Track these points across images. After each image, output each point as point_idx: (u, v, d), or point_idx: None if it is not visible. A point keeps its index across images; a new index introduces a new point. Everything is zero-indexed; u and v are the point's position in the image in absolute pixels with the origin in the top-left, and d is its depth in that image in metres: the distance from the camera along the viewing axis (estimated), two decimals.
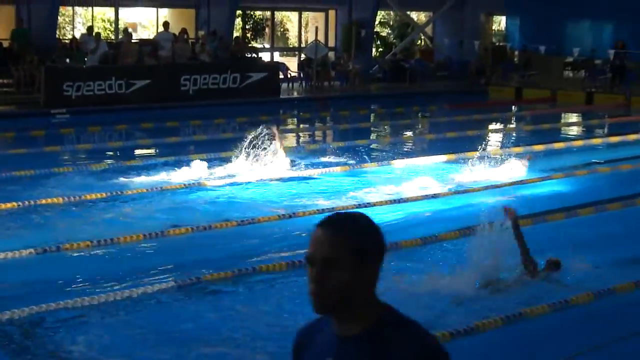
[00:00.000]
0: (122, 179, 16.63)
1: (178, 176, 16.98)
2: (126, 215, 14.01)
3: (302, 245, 12.22)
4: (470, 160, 18.87)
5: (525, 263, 10.82)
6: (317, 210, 14.34)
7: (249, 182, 16.60)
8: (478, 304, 10.00)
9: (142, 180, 16.60)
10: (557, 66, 42.34)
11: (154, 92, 28.07)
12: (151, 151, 21.21)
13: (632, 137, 24.32)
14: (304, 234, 13.03)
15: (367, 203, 15.00)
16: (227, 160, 18.51)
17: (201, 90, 29.42)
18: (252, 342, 8.92)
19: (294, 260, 11.28)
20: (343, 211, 3.58)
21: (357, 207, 14.65)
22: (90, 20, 35.99)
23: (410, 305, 9.86)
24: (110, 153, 20.65)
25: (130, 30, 32.79)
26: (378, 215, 14.34)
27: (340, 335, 3.45)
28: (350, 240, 3.39)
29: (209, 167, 17.66)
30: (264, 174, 17.23)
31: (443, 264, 11.66)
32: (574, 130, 27.79)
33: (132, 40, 31.58)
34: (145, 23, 39.19)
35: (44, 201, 14.40)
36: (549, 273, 10.94)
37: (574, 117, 31.20)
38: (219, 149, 19.83)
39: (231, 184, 16.41)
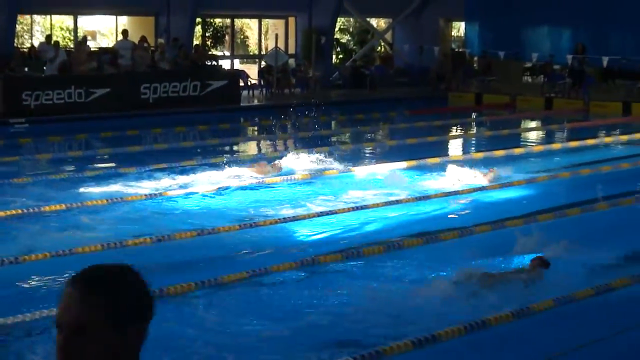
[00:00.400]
0: (82, 189, 16.51)
1: (139, 185, 16.89)
2: (86, 225, 13.88)
3: (265, 256, 12.25)
4: (432, 166, 18.98)
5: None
6: (279, 219, 14.32)
7: (210, 191, 16.52)
8: (444, 309, 10.00)
9: (102, 190, 16.45)
10: (516, 71, 42.64)
11: (114, 101, 27.96)
12: (112, 160, 21.07)
13: (590, 141, 24.50)
14: (265, 244, 13.04)
15: (329, 210, 14.99)
16: (189, 168, 18.49)
17: (161, 99, 29.33)
18: (216, 356, 8.87)
19: (257, 270, 11.25)
20: (100, 265, 2.91)
21: (318, 215, 14.65)
22: (49, 29, 35.76)
23: (378, 311, 9.87)
24: (70, 163, 20.49)
25: (89, 37, 32.62)
26: (340, 222, 14.37)
27: None
28: (104, 301, 2.79)
29: (170, 176, 17.61)
30: (225, 182, 17.18)
31: (407, 271, 11.67)
32: (534, 136, 27.93)
33: (92, 49, 31.44)
34: (104, 31, 38.99)
35: (2, 213, 14.26)
36: (539, 272, 11.12)
37: (533, 123, 31.36)
38: (180, 158, 19.79)
39: (192, 193, 16.32)
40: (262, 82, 35.76)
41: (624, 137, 25.79)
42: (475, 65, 43.08)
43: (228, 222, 14.08)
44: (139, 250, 12.47)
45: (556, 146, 23.69)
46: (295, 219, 14.42)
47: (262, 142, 25.84)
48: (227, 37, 40.09)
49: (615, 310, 10.40)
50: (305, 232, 13.91)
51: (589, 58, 34.82)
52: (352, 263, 11.97)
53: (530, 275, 11.03)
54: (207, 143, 23.38)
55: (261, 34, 41.35)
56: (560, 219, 14.86)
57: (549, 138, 26.83)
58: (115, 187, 16.66)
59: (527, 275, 11.03)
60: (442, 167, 19.38)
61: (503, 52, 37.40)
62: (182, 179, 17.51)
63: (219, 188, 16.77)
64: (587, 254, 12.41)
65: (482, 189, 17.18)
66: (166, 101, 29.35)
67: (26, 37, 36.19)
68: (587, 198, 16.67)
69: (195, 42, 36.20)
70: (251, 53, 42.82)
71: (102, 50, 32.39)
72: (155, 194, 16.11)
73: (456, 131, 28.33)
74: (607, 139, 25.71)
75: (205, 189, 16.67)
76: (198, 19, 36.54)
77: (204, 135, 25.17)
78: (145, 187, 16.76)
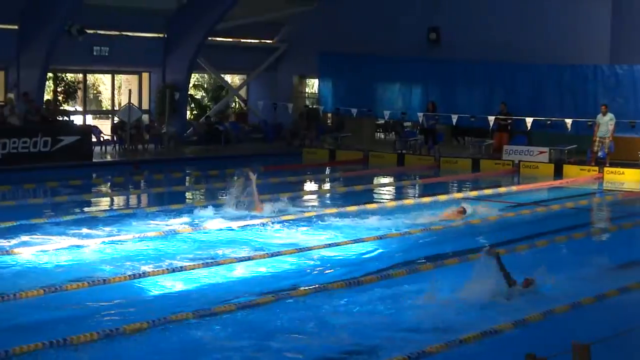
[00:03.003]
0: None
1: None
2: None
3: (116, 314, 12.02)
4: (284, 222, 19.05)
5: (509, 282, 13.52)
6: (130, 276, 14.12)
7: (60, 249, 16.19)
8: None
9: None
10: (369, 128, 43.25)
11: None
12: None
13: (442, 197, 24.88)
14: (117, 302, 12.82)
15: (180, 267, 14.84)
16: (38, 226, 18.12)
17: (11, 155, 28.70)
18: None
19: (108, 330, 11.04)
20: None
21: (169, 272, 14.49)
22: None
23: None
24: None
25: None
26: (191, 280, 14.25)
27: None
28: None
29: (18, 234, 17.21)
30: (76, 240, 16.88)
31: (260, 329, 11.62)
32: (386, 192, 28.27)
33: None
34: None
35: None
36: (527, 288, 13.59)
37: (386, 179, 31.75)
38: (29, 215, 19.35)
39: (41, 251, 15.96)
40: (115, 138, 35.40)
41: (474, 193, 26.31)
42: (329, 121, 43.55)
43: (78, 279, 13.79)
44: None
45: (408, 202, 23.98)
46: (145, 276, 14.25)
47: (114, 198, 25.43)
48: (79, 92, 39.53)
49: None
50: (156, 289, 13.74)
51: (439, 116, 35.58)
52: (204, 321, 11.84)
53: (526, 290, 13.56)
54: (58, 200, 22.92)
55: (114, 89, 40.99)
56: (414, 274, 15.02)
57: (401, 194, 27.17)
58: None
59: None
60: (295, 224, 19.52)
61: (356, 109, 37.89)
62: (30, 236, 17.13)
63: (69, 245, 16.47)
64: (438, 305, 12.64)
65: (334, 244, 17.28)
66: (16, 157, 28.74)
67: None
68: (439, 252, 16.94)
69: (47, 97, 35.64)
70: (104, 108, 42.40)
71: None
72: (2, 252, 15.69)
73: (310, 187, 28.47)
74: (458, 195, 26.12)
75: (55, 246, 16.35)
76: (49, 74, 35.96)
77: (55, 192, 24.65)
78: None
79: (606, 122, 31.81)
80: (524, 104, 35.38)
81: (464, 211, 21.00)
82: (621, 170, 31.28)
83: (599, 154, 31.95)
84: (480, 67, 37.04)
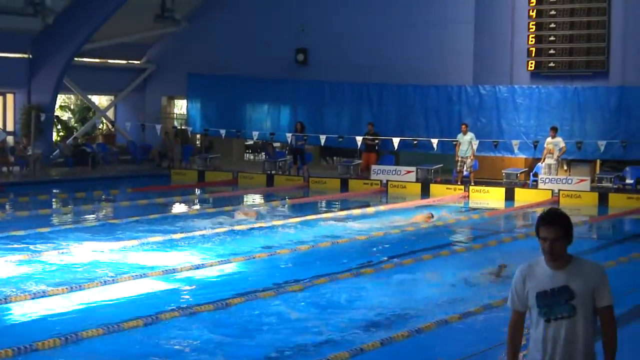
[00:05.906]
0: None
1: None
2: None
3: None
4: (151, 244, 18.90)
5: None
6: None
7: None
8: None
9: None
10: (238, 149, 43.29)
11: None
12: None
13: (311, 217, 25.00)
14: None
15: (43, 292, 14.55)
16: None
17: None
18: None
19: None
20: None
21: (33, 297, 14.20)
22: None
23: None
24: None
25: None
26: (56, 304, 13.98)
27: None
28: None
29: None
30: None
31: (126, 354, 11.49)
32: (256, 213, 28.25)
33: None
34: None
35: None
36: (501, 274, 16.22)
37: (256, 199, 31.78)
38: None
39: None
40: None
41: (343, 213, 26.51)
42: (197, 143, 43.40)
43: None
44: None
45: (278, 222, 24.03)
46: (7, 301, 13.94)
47: None
48: None
49: None
50: (19, 315, 13.46)
51: (307, 136, 35.77)
52: (70, 348, 11.65)
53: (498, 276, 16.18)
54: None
55: None
56: (282, 295, 15.04)
57: (270, 215, 27.20)
58: None
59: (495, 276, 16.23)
60: (163, 245, 19.40)
61: (224, 130, 37.80)
62: None
63: None
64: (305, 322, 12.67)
65: (202, 265, 17.21)
66: None
67: None
68: (308, 275, 16.97)
69: None
70: None
71: None
72: None
73: (179, 208, 28.29)
74: (327, 215, 26.27)
75: None
76: None
77: None
78: None
79: (467, 141, 32.51)
80: (391, 124, 35.99)
81: (431, 216, 24.56)
82: (486, 188, 31.98)
83: (464, 172, 32.62)
84: (348, 87, 37.54)
